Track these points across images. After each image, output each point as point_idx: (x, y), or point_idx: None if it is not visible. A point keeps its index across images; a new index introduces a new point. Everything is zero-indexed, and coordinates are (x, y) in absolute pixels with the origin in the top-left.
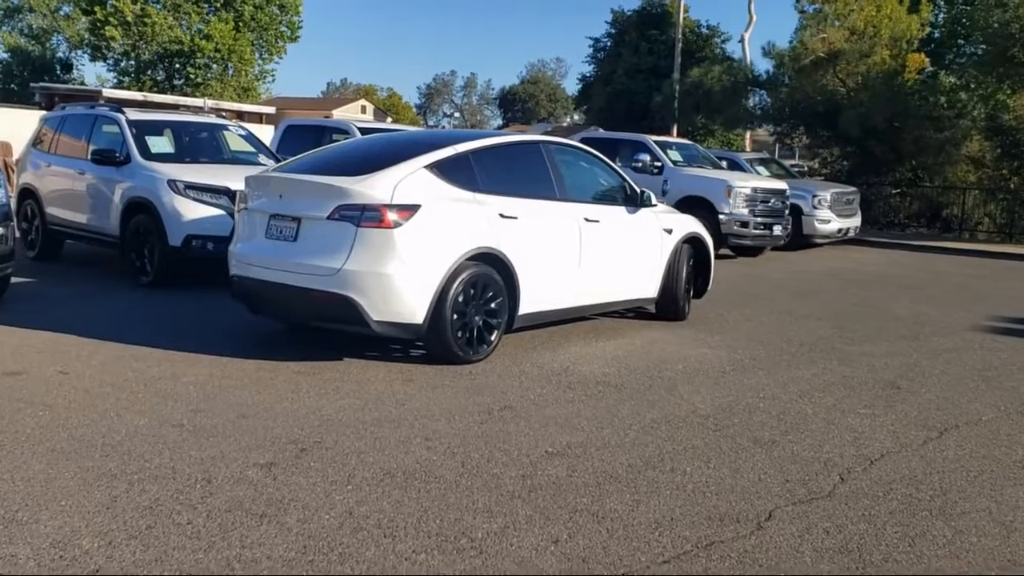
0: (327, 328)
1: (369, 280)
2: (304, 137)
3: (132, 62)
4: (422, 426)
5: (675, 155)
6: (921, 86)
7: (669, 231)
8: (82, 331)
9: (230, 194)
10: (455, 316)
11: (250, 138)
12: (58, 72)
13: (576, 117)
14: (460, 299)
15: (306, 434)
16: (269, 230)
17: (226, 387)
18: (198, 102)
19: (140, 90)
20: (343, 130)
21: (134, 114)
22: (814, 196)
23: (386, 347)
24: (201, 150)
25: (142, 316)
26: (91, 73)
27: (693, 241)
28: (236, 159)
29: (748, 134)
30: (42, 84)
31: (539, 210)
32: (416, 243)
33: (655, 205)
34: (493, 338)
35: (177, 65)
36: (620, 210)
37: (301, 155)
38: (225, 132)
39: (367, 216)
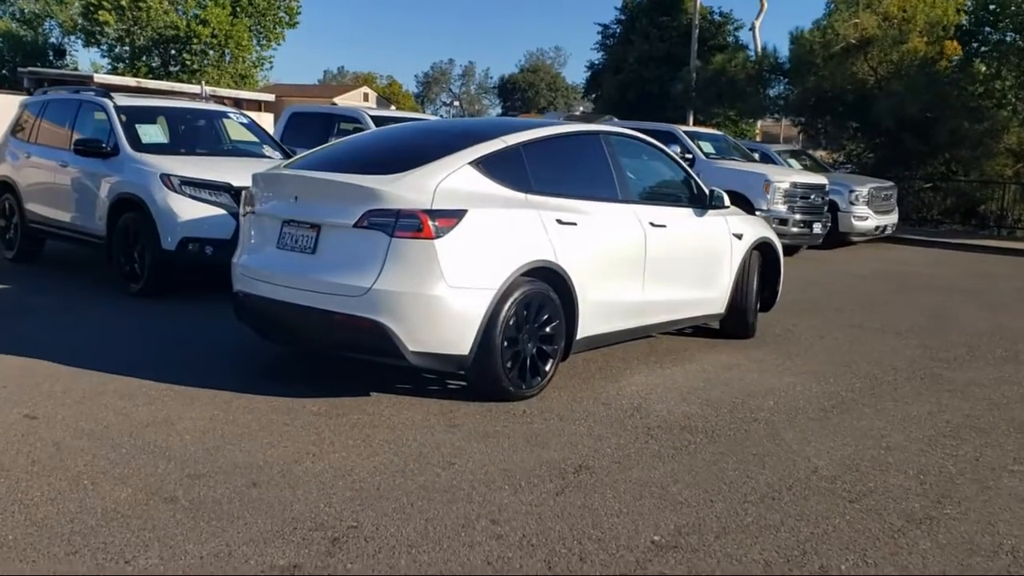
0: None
1: (405, 302)
2: (310, 126)
3: (126, 48)
4: (483, 499)
5: (707, 147)
6: (958, 74)
7: (739, 236)
8: (58, 355)
9: (232, 191)
10: (505, 344)
11: (253, 127)
12: (51, 58)
13: (583, 107)
14: (512, 323)
15: (337, 513)
16: (282, 239)
17: (231, 437)
18: (195, 88)
19: (135, 76)
20: (354, 118)
21: (123, 99)
22: (851, 191)
23: (419, 376)
24: (198, 140)
25: (129, 335)
26: (85, 60)
27: (762, 247)
28: (238, 151)
29: (759, 124)
30: (30, 69)
31: (600, 214)
32: (462, 257)
33: (727, 207)
34: (548, 368)
35: (173, 51)
36: (687, 212)
37: (318, 148)
38: (225, 120)
39: (403, 224)
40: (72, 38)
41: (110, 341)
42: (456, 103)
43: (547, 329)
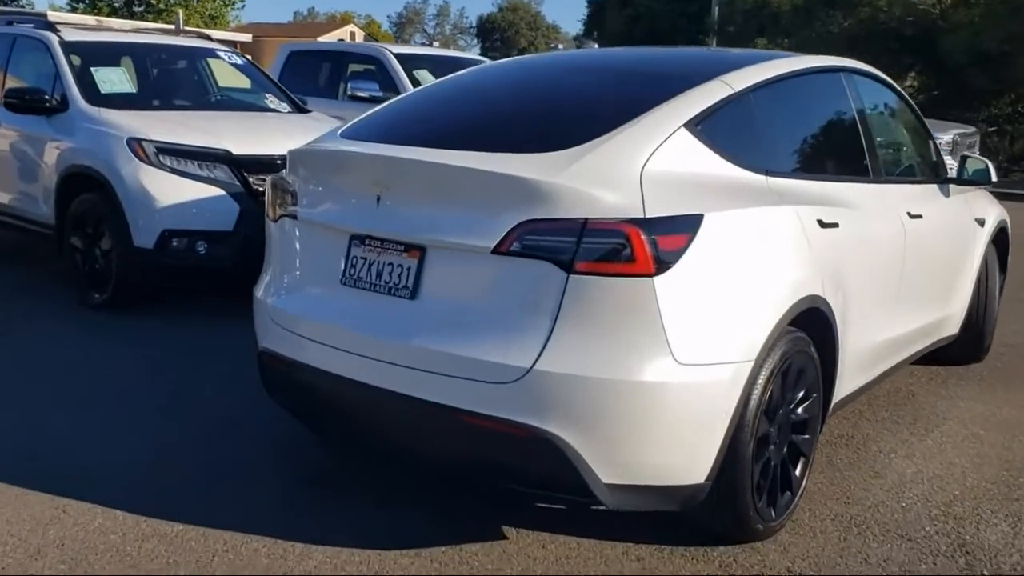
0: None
1: (596, 397)
2: (314, 69)
3: None
4: None
5: None
6: None
7: (981, 223)
8: None
9: (231, 161)
10: (756, 450)
11: (250, 70)
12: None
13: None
14: (764, 413)
15: None
16: (350, 269)
17: None
18: (169, 27)
19: (96, 16)
20: (372, 58)
21: (73, 33)
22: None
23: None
24: (178, 89)
25: (85, 392)
26: (42, 0)
27: (999, 235)
28: (232, 102)
29: None
30: None
31: (860, 205)
32: (698, 305)
33: (992, 180)
34: (799, 475)
35: None
36: (934, 192)
37: (385, 106)
38: (212, 61)
39: (593, 246)
40: None
41: (53, 407)
42: (436, 43)
43: (800, 411)
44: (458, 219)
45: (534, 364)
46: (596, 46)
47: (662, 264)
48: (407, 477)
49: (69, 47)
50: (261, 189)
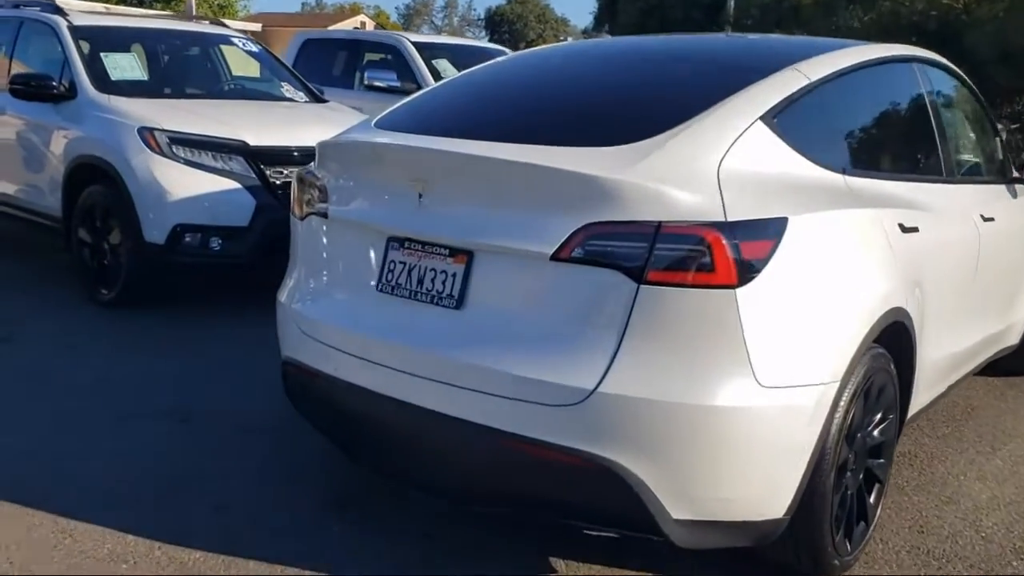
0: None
1: (671, 423)
2: (330, 58)
3: None
4: None
5: None
6: None
7: None
8: None
9: (248, 152)
10: (836, 479)
11: (265, 58)
12: None
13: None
14: (845, 440)
15: None
16: (388, 274)
17: None
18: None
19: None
20: (390, 47)
21: (82, 18)
22: None
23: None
24: (190, 76)
25: (90, 401)
26: None
27: None
28: (247, 92)
29: None
30: None
31: (935, 207)
32: (783, 319)
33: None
34: (874, 502)
35: None
36: (1003, 192)
37: (422, 93)
38: (225, 48)
39: (667, 253)
40: None
41: (56, 417)
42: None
43: (876, 433)
44: (511, 220)
45: (598, 385)
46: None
47: (745, 274)
48: (443, 503)
49: (78, 32)
50: (278, 182)
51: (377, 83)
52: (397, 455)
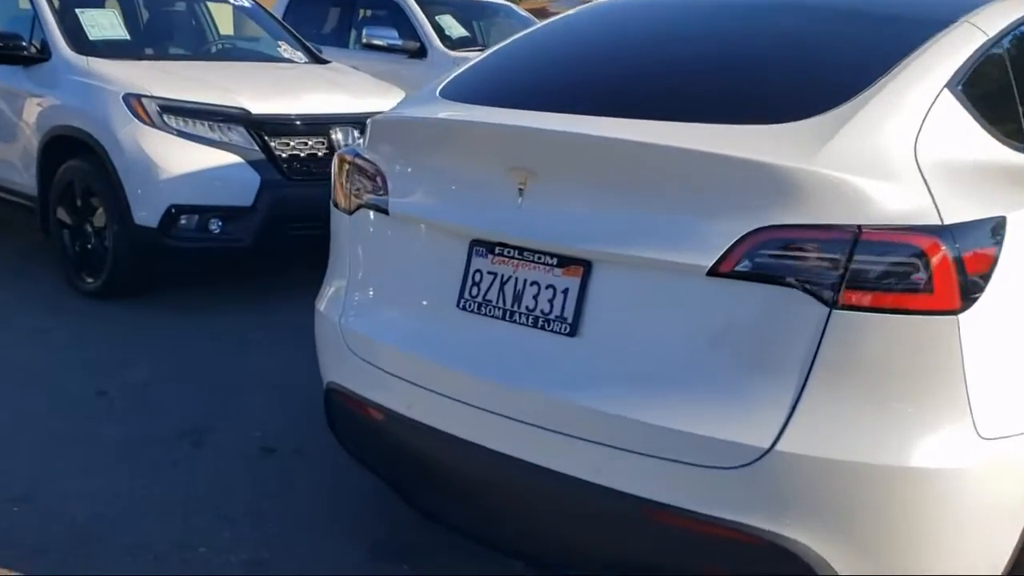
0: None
1: (869, 490)
2: (320, 14)
3: None
4: None
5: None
6: None
7: None
8: None
9: (249, 121)
10: None
11: (258, 14)
12: None
13: None
14: None
15: None
16: (473, 286)
17: None
18: None
19: None
20: (389, 1)
21: None
22: None
23: None
24: (174, 36)
25: (81, 416)
26: None
27: None
28: (238, 52)
29: None
30: None
31: None
32: (1005, 355)
33: None
34: None
35: None
36: None
37: (497, 48)
38: (211, 5)
39: (870, 268)
40: None
41: (34, 430)
42: None
43: None
44: (647, 223)
45: (775, 443)
46: None
47: (969, 294)
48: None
49: None
50: (284, 155)
51: (376, 41)
52: (473, 507)
